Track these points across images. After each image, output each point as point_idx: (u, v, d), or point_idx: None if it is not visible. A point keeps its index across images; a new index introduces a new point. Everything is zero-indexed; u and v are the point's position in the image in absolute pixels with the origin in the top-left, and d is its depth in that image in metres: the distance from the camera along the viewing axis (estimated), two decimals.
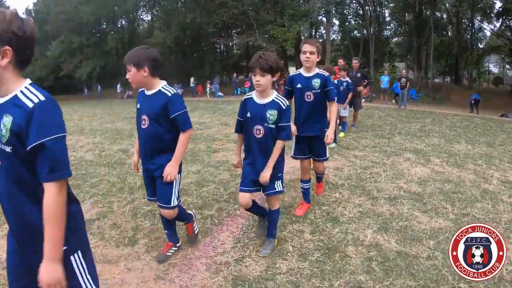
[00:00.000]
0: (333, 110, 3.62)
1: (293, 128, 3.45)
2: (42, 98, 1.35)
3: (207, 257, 2.92)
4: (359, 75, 9.15)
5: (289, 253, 2.92)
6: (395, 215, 3.64)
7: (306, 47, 3.39)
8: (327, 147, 3.68)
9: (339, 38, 37.76)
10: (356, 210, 3.78)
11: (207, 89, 29.04)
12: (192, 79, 30.93)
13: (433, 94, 23.55)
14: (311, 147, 3.66)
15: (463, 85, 28.35)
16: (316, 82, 3.44)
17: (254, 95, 2.86)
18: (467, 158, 6.19)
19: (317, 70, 3.52)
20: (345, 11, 33.40)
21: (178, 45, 36.97)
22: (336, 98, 3.69)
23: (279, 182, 2.90)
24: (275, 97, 2.78)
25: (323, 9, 26.94)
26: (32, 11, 46.88)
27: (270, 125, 2.75)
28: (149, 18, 44.30)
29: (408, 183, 4.71)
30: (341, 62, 10.19)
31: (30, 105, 1.32)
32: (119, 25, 42.41)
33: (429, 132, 8.88)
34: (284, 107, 2.75)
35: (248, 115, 2.82)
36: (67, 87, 44.06)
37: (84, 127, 11.72)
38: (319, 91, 3.46)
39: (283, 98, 2.82)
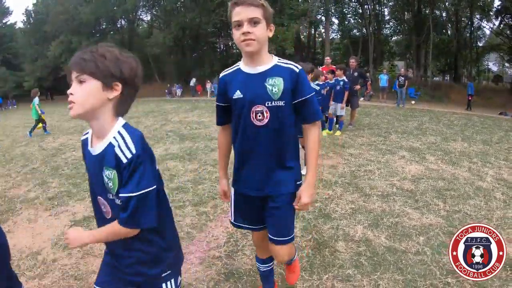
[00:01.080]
0: (314, 139, 1.82)
1: (223, 191, 2.07)
2: None
3: (201, 251, 3.00)
4: (356, 74, 9.09)
5: None
6: (387, 212, 3.71)
7: (238, 12, 1.67)
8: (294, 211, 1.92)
9: (339, 37, 37.82)
10: (348, 206, 3.85)
11: (207, 89, 29.09)
12: (194, 80, 30.98)
13: (432, 92, 23.56)
14: (267, 214, 1.89)
15: (463, 83, 28.33)
16: (275, 85, 1.73)
17: (90, 133, 1.44)
18: (463, 156, 6.24)
19: (275, 60, 1.80)
20: (344, 10, 33.43)
21: (177, 45, 37.09)
22: (321, 116, 2.24)
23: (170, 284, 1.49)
24: (116, 136, 1.31)
25: (322, 8, 26.97)
26: (32, 12, 47.11)
27: (115, 199, 1.34)
28: (149, 18, 44.41)
29: (401, 180, 4.77)
30: (328, 59, 10.24)
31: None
32: (118, 25, 42.50)
33: (426, 130, 8.93)
34: (127, 160, 1.26)
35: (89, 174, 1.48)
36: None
37: (85, 127, 11.78)
38: (283, 103, 1.74)
39: (133, 136, 1.31)
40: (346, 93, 8.08)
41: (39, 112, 11.16)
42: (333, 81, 8.10)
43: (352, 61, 9.38)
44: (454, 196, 4.22)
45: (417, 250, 2.94)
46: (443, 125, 10.05)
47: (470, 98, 18.31)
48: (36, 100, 11.30)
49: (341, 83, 8.02)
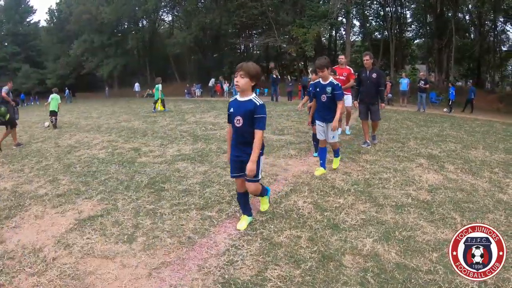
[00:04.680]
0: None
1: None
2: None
3: (201, 258, 2.90)
4: (374, 75, 6.80)
5: (282, 259, 2.85)
6: (400, 224, 3.51)
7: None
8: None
9: (360, 39, 37.28)
10: (359, 217, 3.66)
11: (226, 88, 29.08)
12: (212, 80, 31.08)
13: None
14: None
15: (486, 88, 27.51)
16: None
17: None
18: (484, 165, 5.95)
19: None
20: (365, 12, 32.95)
21: (198, 45, 37.29)
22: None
23: None
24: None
25: (343, 10, 26.61)
26: (55, 11, 48.31)
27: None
28: (170, 18, 44.86)
29: (417, 190, 4.55)
30: (342, 58, 8.25)
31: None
32: (140, 25, 43.05)
33: (446, 137, 8.62)
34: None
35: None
36: (88, 85, 45.16)
37: (101, 125, 11.94)
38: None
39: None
40: (341, 105, 5.01)
41: (160, 95, 15.64)
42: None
43: (367, 58, 6.88)
44: (472, 209, 3.98)
45: (429, 268, 2.74)
46: (464, 132, 9.70)
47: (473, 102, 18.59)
48: (160, 86, 15.75)
49: (328, 89, 4.96)
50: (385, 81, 8.35)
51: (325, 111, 5.07)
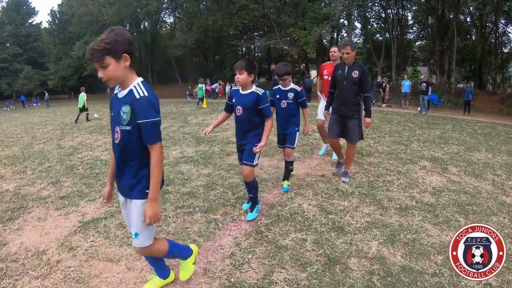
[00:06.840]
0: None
1: None
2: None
3: (206, 261, 2.89)
4: (355, 73, 4.62)
5: (288, 262, 2.85)
6: (404, 227, 3.50)
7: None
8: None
9: (361, 41, 37.29)
10: (364, 220, 3.66)
11: (228, 90, 29.12)
12: (216, 84, 31.13)
13: (456, 99, 22.94)
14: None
15: (487, 90, 27.53)
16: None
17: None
18: (486, 167, 5.95)
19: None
20: (367, 14, 32.96)
21: (199, 47, 37.36)
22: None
23: None
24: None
25: (344, 12, 26.63)
26: (57, 12, 48.51)
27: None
28: (172, 20, 44.96)
29: (421, 192, 4.55)
30: (334, 52, 5.68)
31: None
32: (142, 27, 43.14)
33: (449, 139, 8.61)
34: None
35: None
36: (90, 86, 45.24)
37: (104, 126, 11.96)
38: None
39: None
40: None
41: (203, 93, 18.75)
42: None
43: (347, 51, 4.60)
44: (476, 212, 3.98)
45: (435, 271, 2.74)
46: (467, 134, 9.69)
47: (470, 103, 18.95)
48: (203, 86, 18.79)
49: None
50: (367, 83, 5.00)
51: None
